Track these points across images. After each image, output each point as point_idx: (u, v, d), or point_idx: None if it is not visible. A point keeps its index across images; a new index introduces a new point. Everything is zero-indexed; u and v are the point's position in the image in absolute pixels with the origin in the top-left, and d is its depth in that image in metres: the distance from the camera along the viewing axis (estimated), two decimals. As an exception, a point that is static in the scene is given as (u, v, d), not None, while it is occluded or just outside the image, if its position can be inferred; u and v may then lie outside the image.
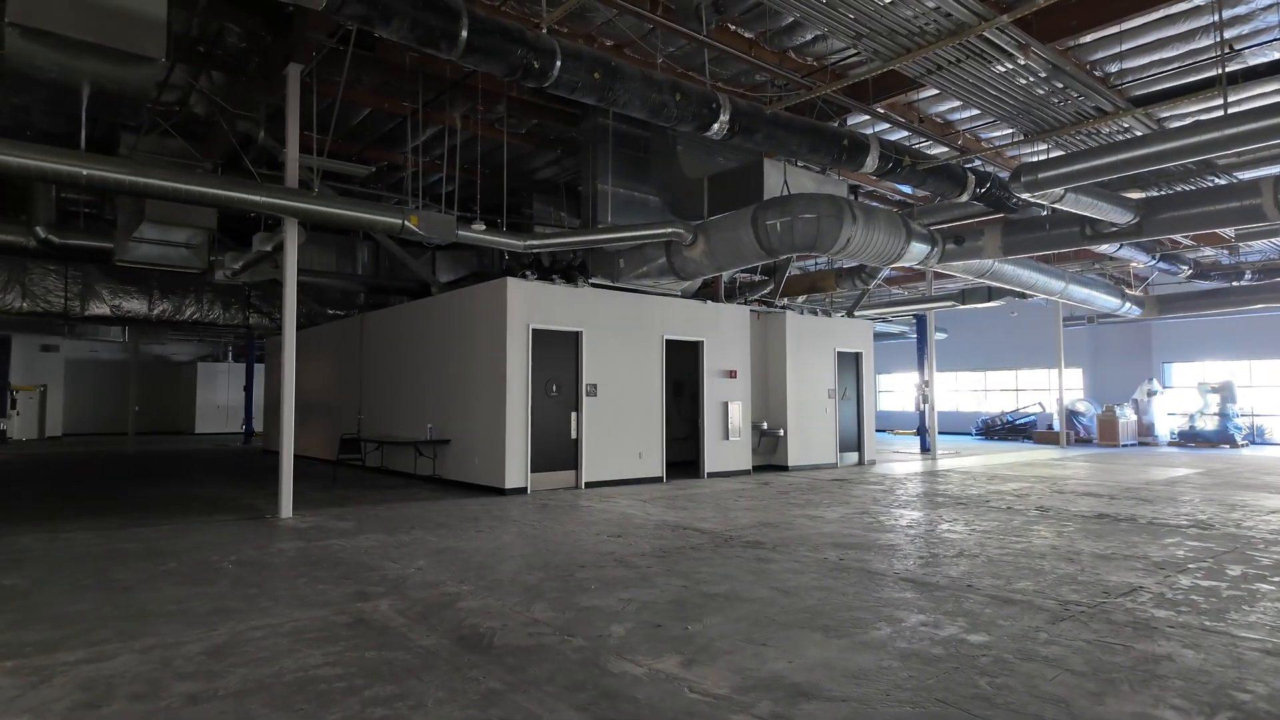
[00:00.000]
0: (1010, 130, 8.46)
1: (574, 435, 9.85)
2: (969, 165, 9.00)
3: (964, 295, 15.44)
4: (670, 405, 13.17)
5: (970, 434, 24.40)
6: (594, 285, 10.21)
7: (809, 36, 7.40)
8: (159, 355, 25.92)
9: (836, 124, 8.45)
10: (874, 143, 7.13)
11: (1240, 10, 7.26)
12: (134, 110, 8.15)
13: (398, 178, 12.40)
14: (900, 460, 14.93)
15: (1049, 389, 23.25)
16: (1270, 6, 7.22)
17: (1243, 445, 18.67)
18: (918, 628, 3.81)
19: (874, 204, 11.95)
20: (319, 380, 15.03)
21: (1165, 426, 20.15)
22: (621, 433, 10.35)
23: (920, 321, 17.41)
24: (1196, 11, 7.32)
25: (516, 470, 9.18)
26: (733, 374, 11.81)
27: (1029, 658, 3.36)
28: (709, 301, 11.61)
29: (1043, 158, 6.51)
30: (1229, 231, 10.23)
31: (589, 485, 9.87)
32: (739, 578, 4.92)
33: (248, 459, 15.17)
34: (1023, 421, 22.84)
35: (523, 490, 9.22)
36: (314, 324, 15.61)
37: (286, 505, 7.47)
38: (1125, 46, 7.96)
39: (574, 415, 9.86)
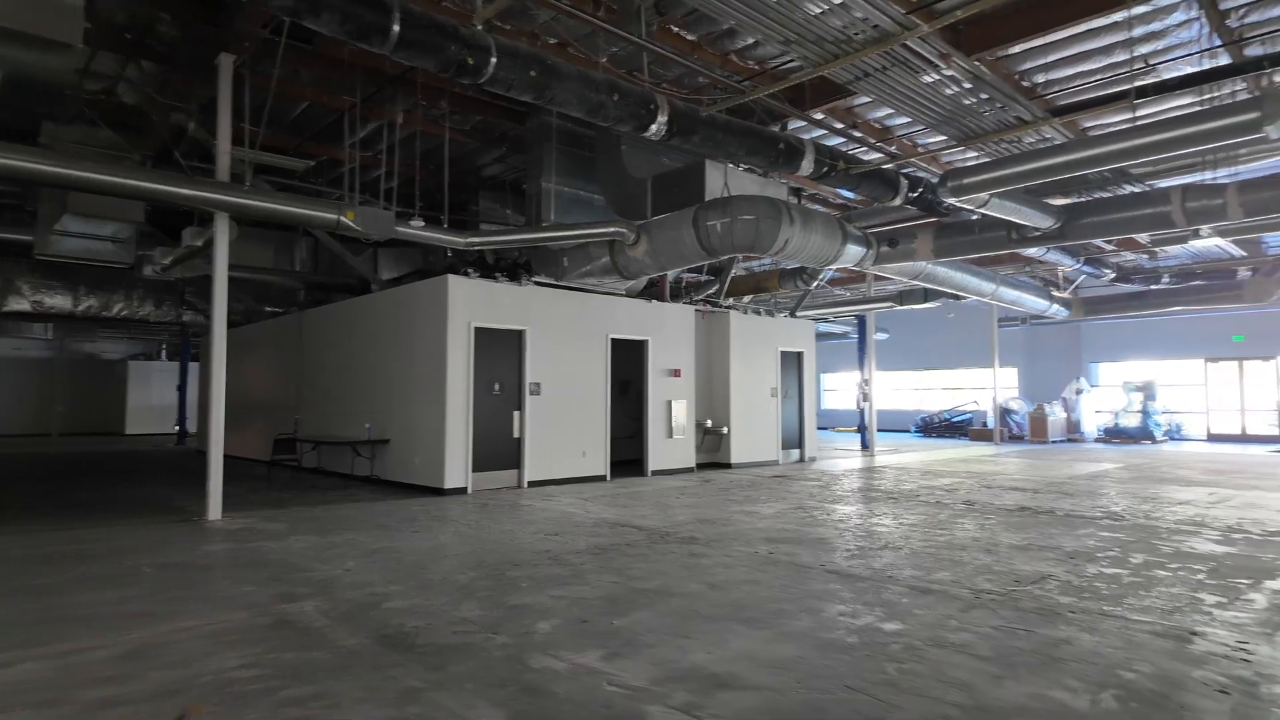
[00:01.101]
0: (944, 137, 8.78)
1: (516, 434, 9.82)
2: (904, 171, 9.29)
3: (902, 297, 15.90)
4: (616, 404, 13.23)
5: (910, 431, 25.09)
6: (538, 284, 10.19)
7: (750, 41, 7.54)
8: (89, 353, 24.84)
9: (778, 128, 8.63)
10: (809, 147, 7.31)
11: (1155, 26, 7.67)
12: (53, 98, 7.82)
13: (339, 173, 12.16)
14: (841, 457, 15.29)
15: (985, 388, 24.09)
16: (1182, 24, 7.66)
17: (1162, 441, 19.66)
18: (837, 618, 3.94)
19: (816, 207, 12.22)
20: (257, 379, 14.63)
21: (1092, 424, 21.07)
22: (565, 431, 10.36)
23: (861, 322, 17.84)
24: (1116, 27, 7.71)
25: (457, 470, 9.11)
26: (677, 373, 11.93)
27: (939, 644, 3.51)
28: (654, 301, 11.70)
29: (971, 164, 6.77)
30: (1144, 237, 10.77)
31: (532, 484, 9.85)
32: (671, 573, 5.00)
33: (180, 460, 14.67)
34: (959, 419, 23.60)
35: (463, 490, 9.15)
36: (252, 321, 15.19)
37: (215, 507, 7.27)
38: (1052, 58, 8.30)
39: (517, 414, 9.83)
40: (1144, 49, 8.03)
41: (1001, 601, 4.25)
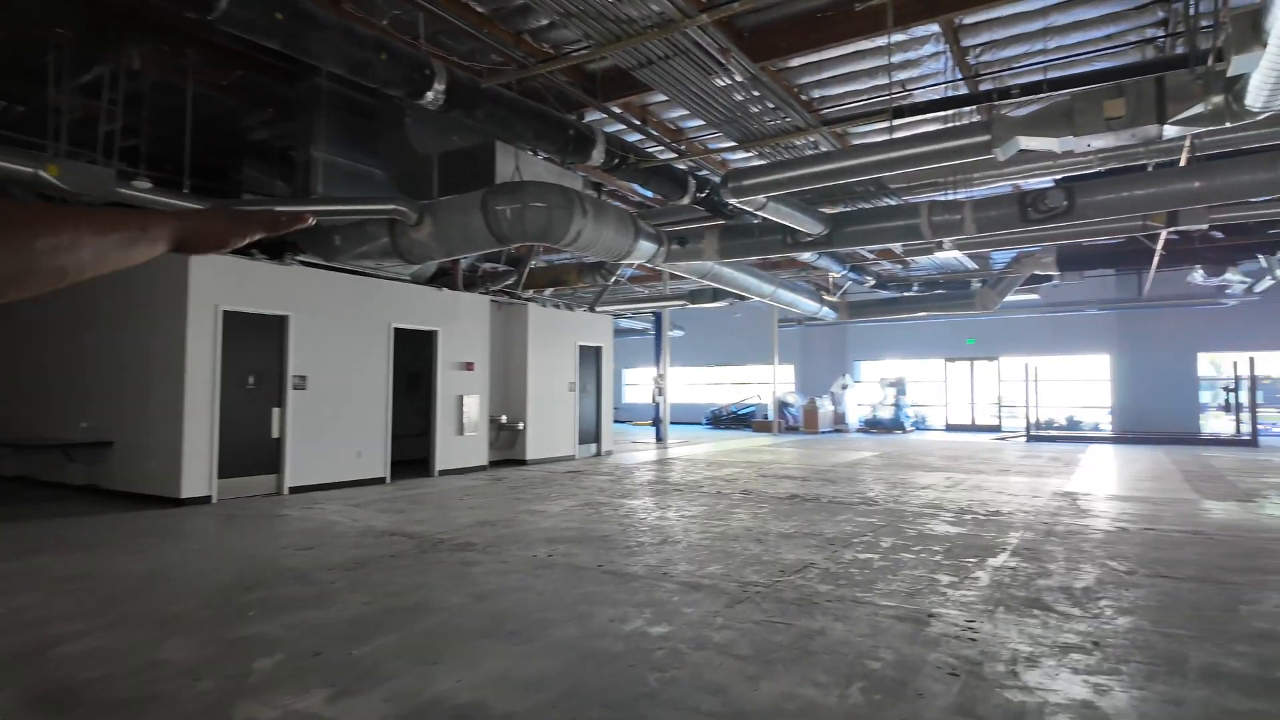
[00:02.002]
0: (731, 143, 9.09)
1: (276, 434, 8.71)
2: (694, 172, 9.49)
3: (694, 295, 16.49)
4: (403, 399, 12.33)
5: (701, 424, 26.32)
6: (305, 264, 9.12)
7: (544, 22, 7.21)
8: None
9: (575, 118, 8.39)
10: (600, 136, 7.15)
11: (911, 55, 8.45)
12: None
13: (66, 122, 10.03)
14: (636, 450, 15.53)
15: (767, 383, 25.87)
16: (933, 55, 8.50)
17: (911, 431, 22.31)
18: (605, 624, 3.75)
19: (615, 203, 12.18)
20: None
21: (855, 416, 23.40)
22: (337, 430, 9.38)
23: (657, 319, 18.29)
24: (879, 51, 8.39)
25: (198, 476, 7.86)
26: (470, 366, 11.34)
27: (702, 646, 3.43)
28: (445, 289, 11.00)
29: (750, 166, 6.99)
30: (899, 248, 11.97)
31: (295, 490, 8.79)
32: (435, 586, 4.54)
33: None
34: (744, 412, 25.15)
35: (207, 499, 7.91)
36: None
37: None
38: (825, 75, 8.88)
39: (277, 411, 8.72)
40: (901, 75, 8.87)
41: (766, 594, 4.31)
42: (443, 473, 10.72)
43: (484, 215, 7.60)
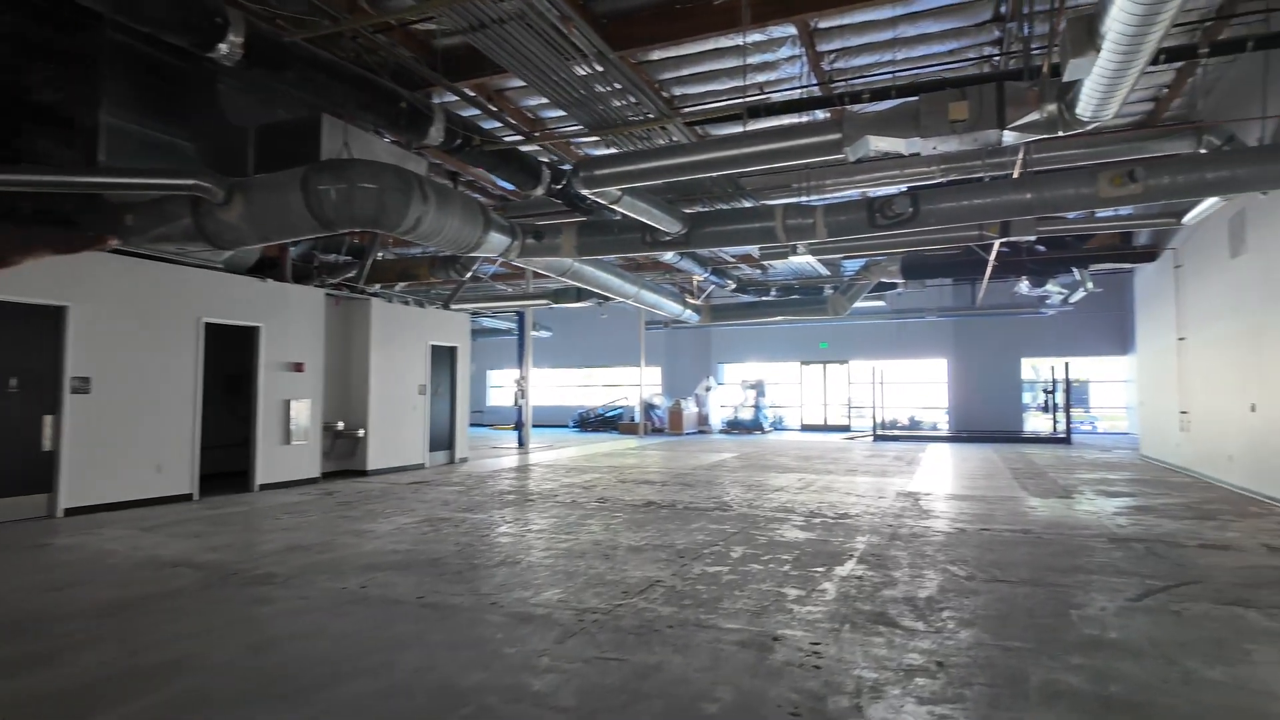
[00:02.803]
0: (594, 137, 8.69)
1: (49, 446, 7.34)
2: (559, 166, 8.99)
3: (557, 295, 15.97)
4: (220, 404, 10.97)
5: (569, 426, 25.82)
6: (89, 247, 7.76)
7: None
8: None
9: (421, 95, 7.64)
10: (439, 113, 6.48)
11: (769, 57, 8.39)
12: None
13: None
14: (495, 456, 14.79)
15: (635, 385, 25.77)
16: (789, 58, 8.49)
17: (769, 431, 22.91)
18: (407, 677, 3.16)
19: (474, 195, 11.43)
20: None
21: (718, 417, 23.75)
22: (131, 441, 8.07)
23: (520, 318, 17.60)
24: (738, 51, 8.27)
25: (-68, 499, 6.43)
26: (300, 367, 10.21)
27: (517, 698, 2.93)
28: (269, 280, 9.83)
29: (603, 155, 6.59)
30: (756, 251, 12.05)
31: (73, 512, 7.44)
32: (209, 633, 3.76)
33: None
34: (612, 414, 24.91)
35: (-56, 527, 6.50)
36: None
37: None
38: (685, 72, 8.66)
39: (50, 419, 7.35)
40: (760, 77, 8.82)
41: (604, 622, 3.88)
42: (265, 487, 9.55)
43: (305, 195, 6.70)
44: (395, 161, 7.88)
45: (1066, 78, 4.06)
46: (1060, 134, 4.86)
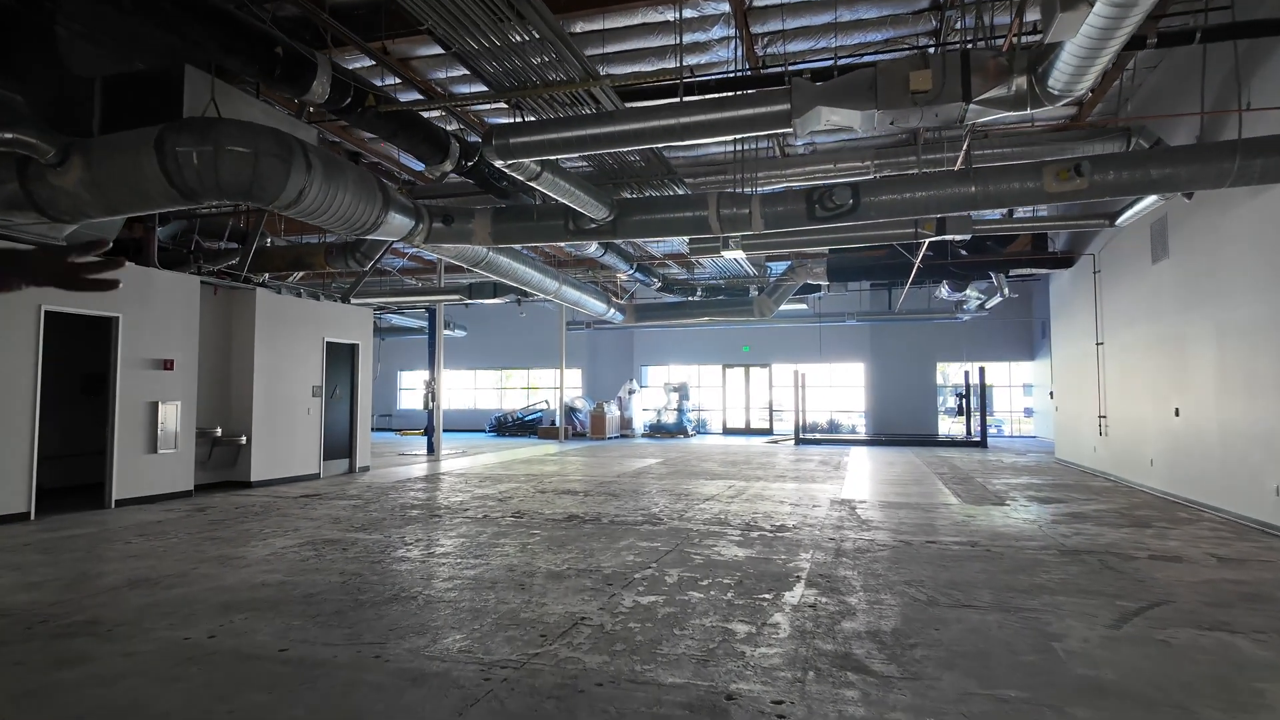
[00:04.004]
0: (501, 104, 7.86)
1: None
2: (469, 139, 8.11)
3: (471, 290, 14.96)
4: (73, 407, 9.54)
5: (485, 431, 24.66)
6: (-114, 215, 6.37)
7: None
8: None
9: (303, 47, 6.62)
10: (325, 64, 5.51)
11: (700, 37, 7.81)
12: None
13: None
14: (401, 464, 13.64)
15: (555, 387, 24.87)
16: (723, 39, 7.94)
17: (693, 435, 22.48)
18: (240, 783, 2.31)
19: (379, 178, 10.38)
20: None
21: (641, 420, 23.15)
22: (-58, 450, 6.69)
23: (431, 315, 16.46)
24: (668, 28, 7.65)
25: None
26: (169, 365, 8.91)
27: (393, 814, 2.13)
28: (130, 264, 8.50)
29: (519, 123, 5.78)
30: (685, 246, 11.50)
31: None
32: (-28, 719, 2.77)
33: None
34: (531, 418, 23.92)
35: None
36: None
37: None
38: (612, 49, 7.99)
39: None
40: (691, 60, 8.24)
41: (516, 681, 3.11)
42: (123, 503, 8.23)
43: (160, 158, 5.62)
44: (284, 128, 6.84)
45: (1050, 38, 3.59)
46: (1028, 109, 4.43)
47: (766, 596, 4.45)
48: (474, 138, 8.79)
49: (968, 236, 9.20)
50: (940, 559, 5.56)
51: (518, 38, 5.15)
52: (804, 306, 20.36)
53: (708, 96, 5.30)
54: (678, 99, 5.42)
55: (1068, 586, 4.74)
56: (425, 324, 22.23)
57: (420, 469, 12.77)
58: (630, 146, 5.44)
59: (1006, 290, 15.40)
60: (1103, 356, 11.20)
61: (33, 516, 7.33)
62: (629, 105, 5.62)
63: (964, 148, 6.76)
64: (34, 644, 3.63)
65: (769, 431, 23.74)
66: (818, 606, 4.25)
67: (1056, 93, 4.22)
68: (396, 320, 22.06)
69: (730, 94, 5.33)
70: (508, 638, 3.68)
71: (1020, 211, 12.15)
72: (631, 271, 13.61)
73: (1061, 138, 8.66)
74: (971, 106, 4.38)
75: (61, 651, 3.51)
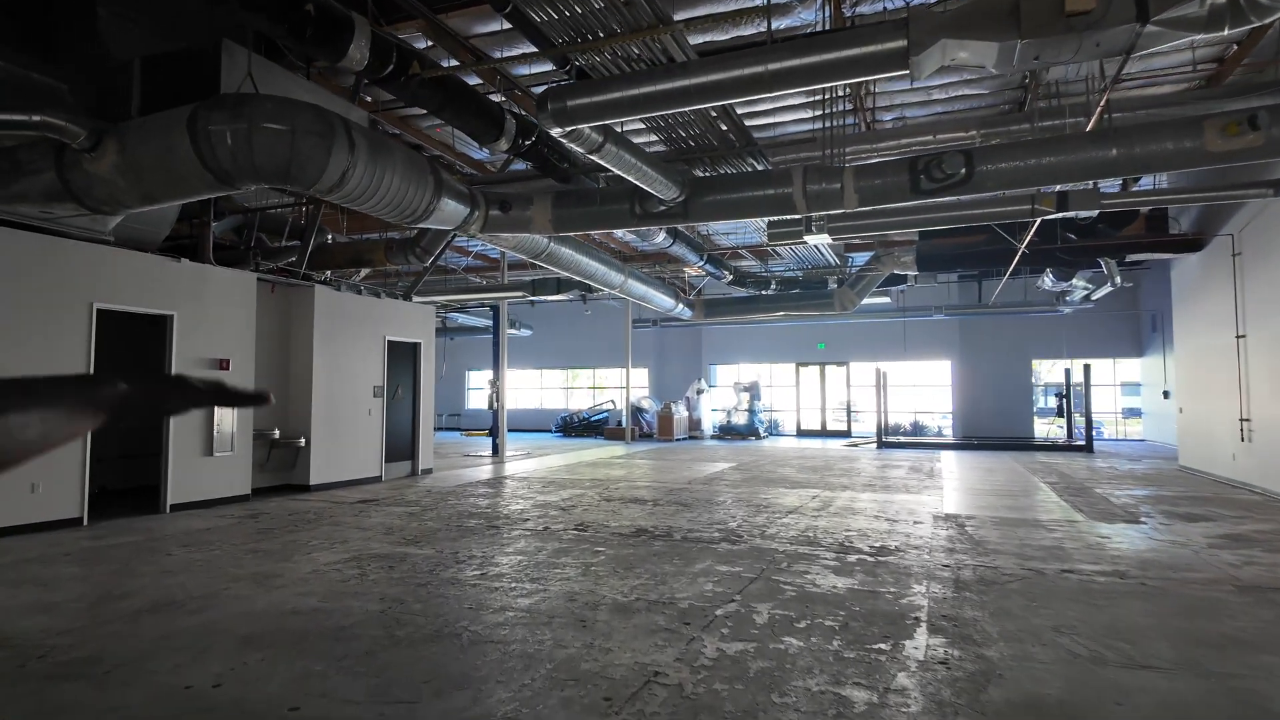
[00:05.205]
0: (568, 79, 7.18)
1: None
2: (530, 119, 7.50)
3: (535, 286, 14.44)
4: (130, 407, 9.34)
5: (551, 431, 24.26)
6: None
7: None
8: None
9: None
10: (364, 26, 4.93)
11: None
12: None
13: None
14: (464, 466, 13.21)
15: (622, 387, 24.25)
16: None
17: (765, 437, 21.45)
18: None
19: (450, 175, 9.93)
20: None
21: (710, 421, 22.27)
22: (-8, 453, 6.45)
23: (495, 313, 16.03)
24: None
25: None
26: (225, 364, 8.62)
27: None
28: (185, 260, 8.24)
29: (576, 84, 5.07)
30: (762, 232, 10.63)
31: (-99, 546, 5.84)
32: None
33: None
34: (597, 419, 23.38)
35: None
36: None
37: None
38: (681, 16, 7.22)
39: None
40: (773, 23, 7.40)
41: (572, 774, 2.38)
42: (178, 507, 7.95)
43: (193, 139, 5.15)
44: (327, 105, 6.35)
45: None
46: (1225, 29, 3.43)
47: (883, 647, 3.59)
48: (522, 113, 8.17)
49: (1093, 213, 8.01)
50: (1087, 595, 4.56)
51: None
52: (886, 300, 19.03)
53: (801, 35, 4.44)
54: (765, 44, 4.58)
55: (1269, 639, 3.71)
56: (490, 324, 21.98)
57: (483, 472, 12.30)
58: (709, 102, 4.64)
59: (1119, 279, 13.86)
60: (1245, 351, 9.74)
61: (85, 522, 7.08)
62: (704, 58, 4.83)
63: (1103, 101, 5.68)
64: (22, 687, 3.13)
65: (846, 434, 22.48)
66: (950, 664, 3.37)
67: (1268, 2, 3.23)
68: (464, 319, 21.87)
69: (829, 30, 4.46)
70: (564, 700, 2.96)
71: (1140, 184, 10.78)
72: (702, 263, 12.78)
73: (1200, 97, 7.44)
74: (1149, 28, 3.42)
75: (45, 700, 2.98)
